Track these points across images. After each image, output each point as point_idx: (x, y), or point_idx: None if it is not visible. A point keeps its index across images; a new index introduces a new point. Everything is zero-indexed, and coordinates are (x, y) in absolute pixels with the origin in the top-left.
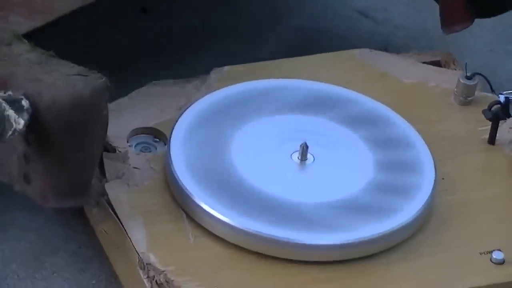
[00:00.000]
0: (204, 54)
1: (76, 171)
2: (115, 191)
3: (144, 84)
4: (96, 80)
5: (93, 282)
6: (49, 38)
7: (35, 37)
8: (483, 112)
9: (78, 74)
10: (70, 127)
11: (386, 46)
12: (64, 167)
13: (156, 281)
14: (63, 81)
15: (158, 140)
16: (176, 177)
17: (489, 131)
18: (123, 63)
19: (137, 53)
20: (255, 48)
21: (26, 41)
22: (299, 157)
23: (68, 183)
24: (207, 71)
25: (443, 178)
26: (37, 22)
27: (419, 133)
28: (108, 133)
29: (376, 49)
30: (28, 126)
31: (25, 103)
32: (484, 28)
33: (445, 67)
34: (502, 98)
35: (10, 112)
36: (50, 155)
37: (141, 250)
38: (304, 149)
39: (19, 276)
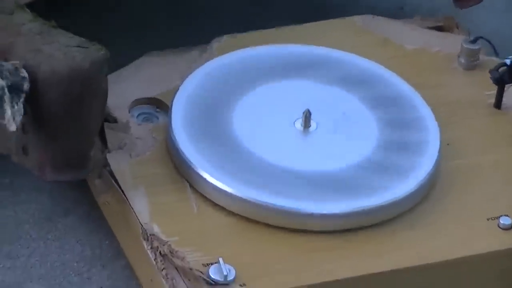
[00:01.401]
0: (207, 23)
1: (73, 144)
2: (117, 162)
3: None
4: (96, 52)
5: (106, 242)
6: (56, 6)
7: (39, 6)
8: (490, 72)
9: (78, 46)
10: (68, 98)
11: (402, 5)
12: (61, 140)
13: (160, 251)
14: (63, 52)
15: (159, 110)
16: (178, 147)
17: (495, 96)
18: (130, 32)
19: (142, 23)
20: (261, 13)
21: (28, 10)
22: (302, 124)
23: (65, 155)
24: (209, 41)
25: (448, 144)
26: None
27: (423, 98)
28: (109, 103)
29: (391, 8)
30: (27, 96)
31: (23, 73)
32: None
33: (448, 32)
34: (508, 61)
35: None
36: (48, 126)
37: (144, 220)
38: (307, 116)
39: (32, 236)
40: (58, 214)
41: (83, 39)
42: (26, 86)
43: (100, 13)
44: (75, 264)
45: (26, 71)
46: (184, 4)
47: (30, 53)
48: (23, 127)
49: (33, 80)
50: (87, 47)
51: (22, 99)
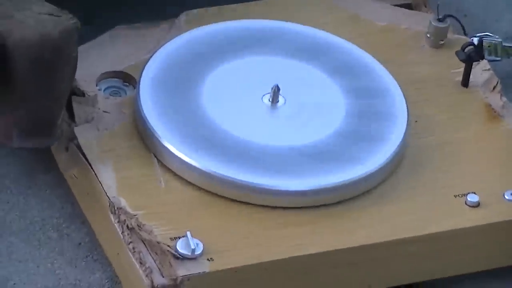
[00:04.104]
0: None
1: (41, 110)
2: (85, 135)
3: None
4: (67, 20)
5: None
6: None
7: None
8: (457, 53)
9: (50, 14)
10: (37, 65)
11: None
12: (30, 104)
13: (127, 225)
14: (34, 19)
15: (127, 84)
16: (146, 121)
17: (462, 74)
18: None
19: None
20: None
21: None
22: (270, 100)
23: (33, 120)
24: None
25: (416, 121)
26: None
27: (391, 75)
28: (77, 76)
29: None
30: None
31: None
32: None
33: (415, 9)
34: (475, 40)
35: None
36: (16, 92)
37: (111, 194)
38: (276, 91)
39: (12, 191)
40: (38, 171)
41: (55, 7)
42: None
43: None
44: (55, 220)
45: None
46: None
47: (1, 19)
48: None
49: (3, 46)
50: (58, 16)
51: None
